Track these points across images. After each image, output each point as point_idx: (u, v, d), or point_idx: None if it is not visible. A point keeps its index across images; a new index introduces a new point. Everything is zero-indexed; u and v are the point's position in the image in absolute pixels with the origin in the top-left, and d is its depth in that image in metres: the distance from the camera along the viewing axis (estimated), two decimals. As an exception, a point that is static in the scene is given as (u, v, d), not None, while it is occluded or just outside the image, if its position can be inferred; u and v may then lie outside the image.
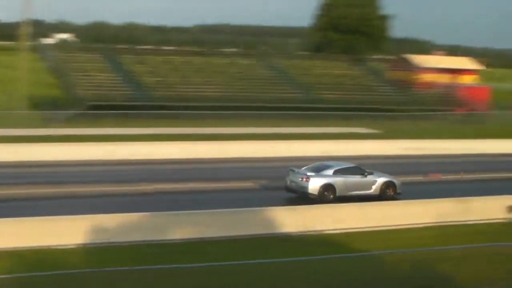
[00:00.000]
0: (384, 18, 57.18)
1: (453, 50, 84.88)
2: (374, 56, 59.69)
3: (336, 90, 49.77)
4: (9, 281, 12.94)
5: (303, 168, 22.25)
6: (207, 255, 15.64)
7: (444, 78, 53.91)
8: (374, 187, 22.27)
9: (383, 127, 42.09)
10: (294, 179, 21.99)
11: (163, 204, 20.31)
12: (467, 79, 55.90)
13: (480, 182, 26.97)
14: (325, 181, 21.48)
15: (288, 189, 22.23)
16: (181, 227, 17.21)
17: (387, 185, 22.43)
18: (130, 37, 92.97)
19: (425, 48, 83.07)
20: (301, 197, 21.57)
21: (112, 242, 16.30)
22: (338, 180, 21.70)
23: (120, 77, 47.14)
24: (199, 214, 17.93)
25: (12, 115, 38.12)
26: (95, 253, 15.42)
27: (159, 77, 47.66)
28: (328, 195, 21.41)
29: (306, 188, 21.53)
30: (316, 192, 21.41)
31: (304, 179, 21.68)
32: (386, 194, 22.32)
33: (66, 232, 16.13)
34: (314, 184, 21.52)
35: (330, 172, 21.96)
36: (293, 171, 22.19)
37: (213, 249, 16.20)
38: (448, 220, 20.13)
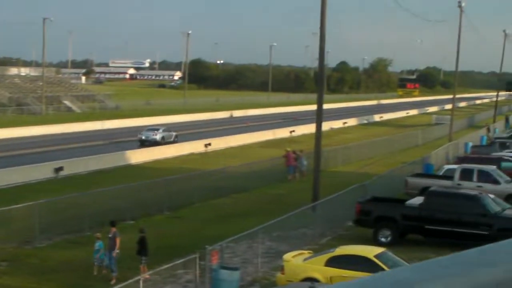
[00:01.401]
0: None
1: None
2: None
3: None
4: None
5: (148, 129, 51.59)
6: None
7: None
8: (172, 137, 50.59)
9: None
10: (148, 134, 50.10)
11: None
12: None
13: None
14: (162, 135, 49.54)
15: (144, 140, 49.73)
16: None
17: (176, 135, 51.04)
18: None
19: None
20: (153, 143, 48.61)
21: None
22: (165, 134, 50.34)
23: None
24: None
25: None
26: None
27: None
28: (164, 141, 48.95)
29: (155, 138, 49.49)
30: (161, 140, 48.76)
31: (154, 134, 50.08)
32: (176, 139, 50.21)
33: None
34: (159, 136, 49.77)
35: (161, 130, 51.09)
36: (146, 130, 50.96)
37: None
38: None
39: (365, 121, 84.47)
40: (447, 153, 44.61)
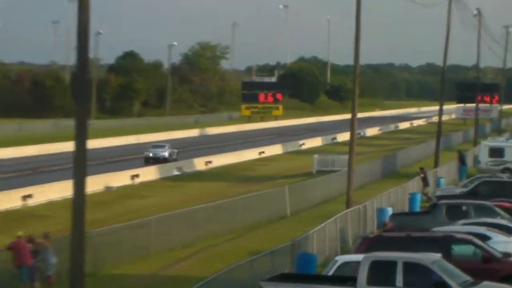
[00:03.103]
0: None
1: None
2: None
3: None
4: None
5: (154, 146, 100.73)
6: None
7: None
8: (175, 154, 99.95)
9: None
10: (156, 151, 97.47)
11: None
12: None
13: None
14: (170, 151, 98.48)
15: (150, 158, 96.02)
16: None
17: (173, 152, 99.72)
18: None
19: None
20: (161, 161, 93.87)
21: None
22: (171, 151, 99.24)
23: None
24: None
25: None
26: None
27: None
28: (171, 157, 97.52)
29: (165, 155, 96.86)
30: (168, 156, 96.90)
31: (162, 152, 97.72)
32: (173, 156, 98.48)
33: None
34: (167, 153, 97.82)
35: (167, 146, 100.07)
36: (153, 147, 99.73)
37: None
38: None
39: (177, 172, 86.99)
40: (343, 231, 45.52)
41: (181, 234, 48.55)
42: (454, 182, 71.25)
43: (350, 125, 59.48)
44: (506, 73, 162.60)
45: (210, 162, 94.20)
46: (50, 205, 60.33)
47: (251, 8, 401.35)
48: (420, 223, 43.14)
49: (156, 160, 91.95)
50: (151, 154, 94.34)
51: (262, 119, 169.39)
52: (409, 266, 29.33)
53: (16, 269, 37.33)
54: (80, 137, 28.07)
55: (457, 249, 33.92)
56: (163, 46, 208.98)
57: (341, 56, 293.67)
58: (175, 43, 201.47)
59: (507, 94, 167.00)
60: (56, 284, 36.80)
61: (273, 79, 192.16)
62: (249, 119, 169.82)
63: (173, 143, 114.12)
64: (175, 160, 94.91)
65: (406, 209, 55.72)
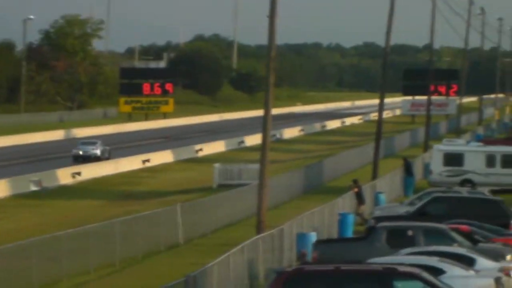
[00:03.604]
0: None
1: None
2: None
3: None
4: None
5: (84, 143, 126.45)
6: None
7: None
8: (107, 152, 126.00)
9: None
10: (86, 149, 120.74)
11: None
12: None
13: None
14: (102, 148, 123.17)
15: (80, 156, 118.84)
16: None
17: (105, 149, 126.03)
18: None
19: None
20: (92, 159, 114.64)
21: None
22: (103, 148, 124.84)
23: None
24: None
25: None
26: None
27: None
28: (104, 155, 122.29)
29: (97, 153, 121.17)
30: (100, 155, 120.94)
31: (94, 149, 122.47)
32: (105, 154, 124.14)
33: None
34: (99, 150, 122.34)
35: (99, 143, 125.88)
36: (83, 144, 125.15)
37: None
38: None
39: (35, 187, 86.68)
40: (252, 264, 45.14)
41: (39, 270, 47.06)
42: (398, 198, 72.36)
43: (263, 124, 58.81)
44: (468, 55, 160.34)
45: (78, 173, 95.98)
46: None
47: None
48: (353, 252, 43.44)
49: (87, 159, 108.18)
50: (81, 152, 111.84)
51: (147, 117, 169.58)
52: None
53: None
54: None
55: (401, 286, 33.13)
56: (16, 21, 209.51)
57: (251, 33, 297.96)
58: (31, 17, 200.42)
59: (468, 83, 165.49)
60: None
61: (162, 64, 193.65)
62: (129, 117, 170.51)
63: (28, 149, 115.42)
64: (108, 159, 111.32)
65: (335, 235, 56.08)
